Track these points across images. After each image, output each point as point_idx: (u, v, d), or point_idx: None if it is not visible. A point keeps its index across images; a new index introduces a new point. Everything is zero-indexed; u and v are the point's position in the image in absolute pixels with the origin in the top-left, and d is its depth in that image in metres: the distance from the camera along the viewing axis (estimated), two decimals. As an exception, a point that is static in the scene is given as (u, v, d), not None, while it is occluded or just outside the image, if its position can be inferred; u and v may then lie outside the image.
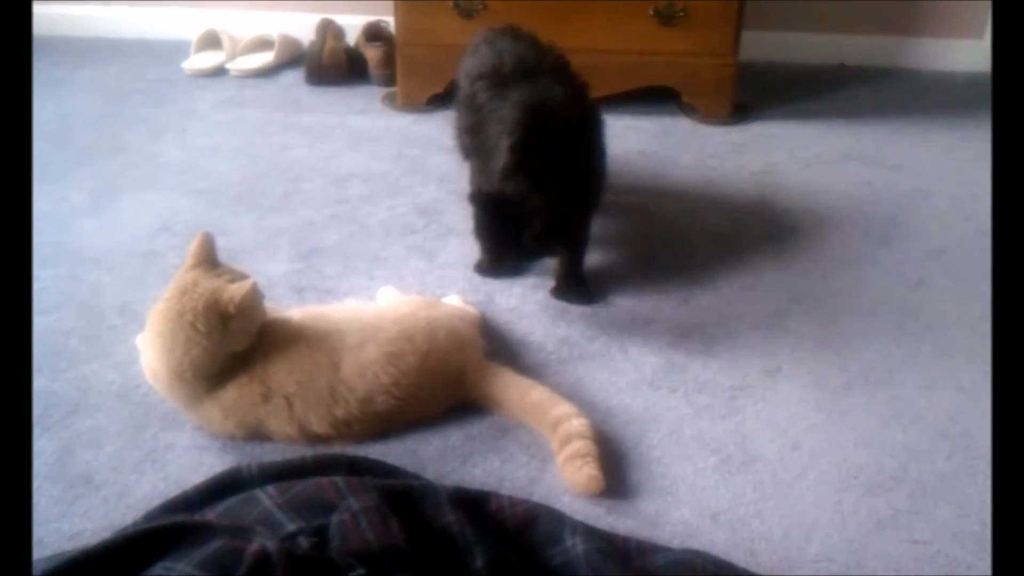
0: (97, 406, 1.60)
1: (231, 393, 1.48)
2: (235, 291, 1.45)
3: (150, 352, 1.50)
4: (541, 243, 1.71)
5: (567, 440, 1.48)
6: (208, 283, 1.46)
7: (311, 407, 1.48)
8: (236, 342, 1.47)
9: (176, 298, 1.46)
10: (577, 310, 1.87)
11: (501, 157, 1.74)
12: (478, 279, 1.93)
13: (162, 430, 1.55)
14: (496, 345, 1.75)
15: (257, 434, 1.51)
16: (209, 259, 1.52)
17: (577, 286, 1.91)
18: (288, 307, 1.68)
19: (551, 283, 1.92)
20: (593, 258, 2.01)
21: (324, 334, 1.53)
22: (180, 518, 1.27)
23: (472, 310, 1.82)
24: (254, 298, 1.48)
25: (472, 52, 2.03)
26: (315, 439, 1.50)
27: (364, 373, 1.50)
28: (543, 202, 1.66)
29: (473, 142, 1.92)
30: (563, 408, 1.53)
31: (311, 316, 1.59)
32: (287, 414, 1.48)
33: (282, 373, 1.48)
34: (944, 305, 1.92)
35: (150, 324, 1.49)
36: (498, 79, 1.88)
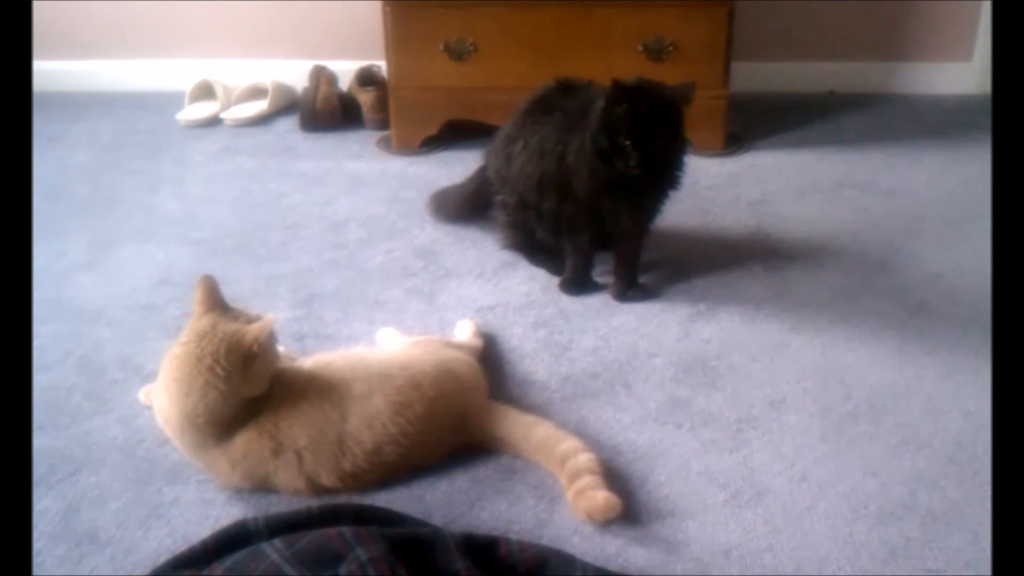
0: (101, 462, 1.60)
1: (239, 446, 1.46)
2: (258, 330, 1.44)
3: (163, 396, 1.48)
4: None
5: (576, 475, 1.47)
6: (227, 326, 1.45)
7: (320, 461, 1.46)
8: (253, 386, 1.46)
9: (194, 343, 1.44)
10: (578, 348, 1.87)
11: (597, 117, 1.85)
12: (479, 320, 1.93)
13: (167, 484, 1.54)
14: (499, 385, 1.75)
15: (263, 486, 1.50)
16: (219, 303, 1.51)
17: (636, 285, 2.05)
18: (291, 353, 1.68)
19: (551, 320, 1.93)
20: (591, 295, 2.02)
21: (331, 384, 1.51)
22: (187, 574, 1.27)
23: (478, 342, 1.83)
24: (272, 337, 1.48)
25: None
26: (322, 491, 1.48)
27: (372, 425, 1.48)
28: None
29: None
30: (569, 443, 1.53)
31: (319, 364, 1.58)
32: (297, 468, 1.47)
33: (294, 427, 1.46)
34: (945, 329, 1.92)
35: (165, 369, 1.47)
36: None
